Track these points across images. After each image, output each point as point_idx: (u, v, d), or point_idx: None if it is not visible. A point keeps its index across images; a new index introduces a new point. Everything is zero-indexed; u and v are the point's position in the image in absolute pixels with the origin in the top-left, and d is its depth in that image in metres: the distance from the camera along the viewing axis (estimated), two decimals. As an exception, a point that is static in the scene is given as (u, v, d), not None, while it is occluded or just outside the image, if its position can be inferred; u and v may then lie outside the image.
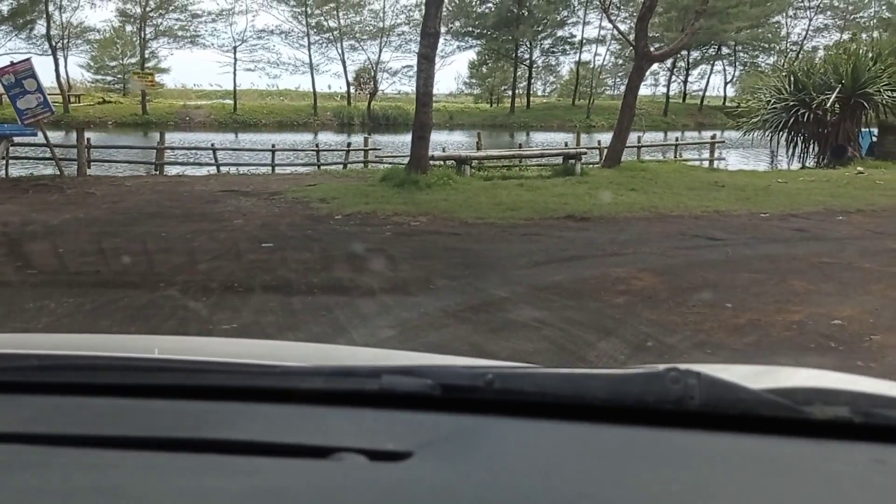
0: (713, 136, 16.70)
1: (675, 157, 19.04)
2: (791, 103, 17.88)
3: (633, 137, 20.35)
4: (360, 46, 49.86)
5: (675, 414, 0.87)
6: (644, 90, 59.44)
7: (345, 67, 50.23)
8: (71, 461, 0.81)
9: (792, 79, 18.44)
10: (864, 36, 26.11)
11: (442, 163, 13.92)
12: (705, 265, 6.87)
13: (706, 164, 17.74)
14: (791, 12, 56.63)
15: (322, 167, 16.84)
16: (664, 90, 56.44)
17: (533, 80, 57.59)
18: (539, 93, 62.72)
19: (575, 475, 0.80)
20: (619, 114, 14.90)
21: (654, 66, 57.48)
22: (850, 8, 54.88)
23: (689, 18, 15.06)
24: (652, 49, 15.21)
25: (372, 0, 50.22)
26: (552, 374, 0.96)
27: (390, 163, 15.36)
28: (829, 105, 17.24)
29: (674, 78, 57.94)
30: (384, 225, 8.84)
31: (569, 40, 54.49)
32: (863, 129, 18.83)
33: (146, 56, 47.30)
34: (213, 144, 18.10)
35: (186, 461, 0.82)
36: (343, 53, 50.00)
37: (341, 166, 17.00)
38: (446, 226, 8.87)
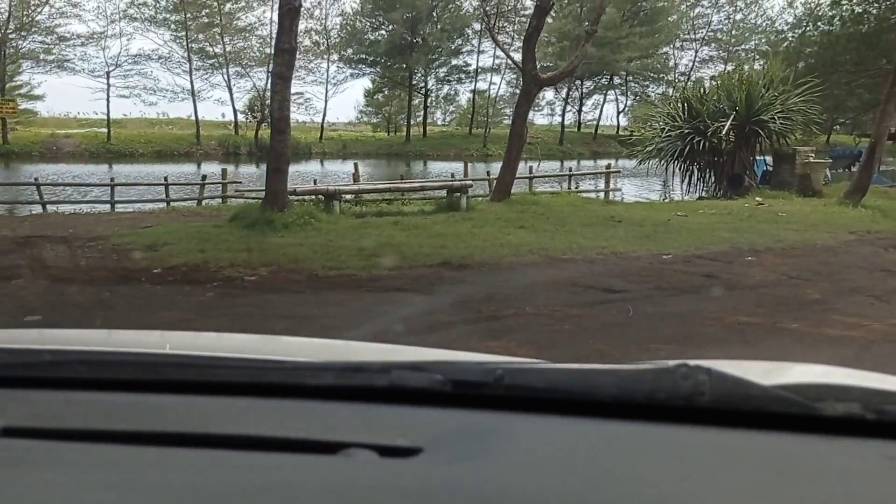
0: (608, 166, 15.73)
1: (570, 188, 17.93)
2: (686, 131, 17.13)
3: (528, 167, 19.27)
4: (245, 73, 47.50)
5: (685, 410, 0.87)
6: (541, 119, 60.25)
7: (231, 94, 47.83)
8: (82, 456, 0.82)
9: (685, 106, 17.73)
10: (746, 68, 26.06)
11: (310, 198, 12.19)
12: (601, 332, 5.42)
13: (602, 195, 16.74)
14: (678, 44, 58.17)
15: (173, 204, 14.76)
16: (561, 119, 56.57)
17: (433, 109, 56.84)
18: (440, 122, 62.15)
19: (585, 471, 0.80)
20: (508, 143, 13.61)
21: (550, 96, 58.37)
22: (733, 41, 56.72)
23: (579, 42, 14.01)
24: (541, 73, 14.01)
25: (259, 25, 48.06)
26: (562, 370, 0.97)
27: (253, 198, 13.48)
28: (724, 133, 16.55)
29: (570, 107, 58.46)
30: (210, 282, 7.02)
31: (464, 69, 53.94)
32: (757, 157, 18.32)
33: (6, 81, 43.39)
34: (36, 179, 15.69)
35: (197, 456, 0.82)
36: (229, 80, 47.62)
37: (196, 202, 14.98)
38: (289, 280, 7.14)
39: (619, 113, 59.63)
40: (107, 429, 0.87)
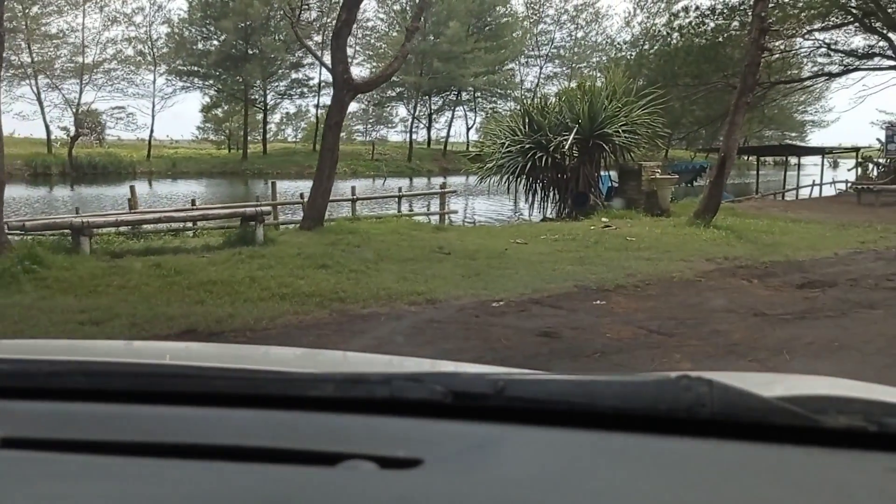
0: (443, 185, 13.89)
1: (399, 211, 15.88)
2: (527, 146, 15.58)
3: (361, 186, 17.15)
4: (55, 85, 42.59)
5: (686, 422, 0.86)
6: (396, 136, 58.54)
7: (42, 108, 42.73)
8: (82, 467, 0.81)
9: (527, 119, 16.21)
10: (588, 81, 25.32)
11: (52, 234, 9.40)
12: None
13: (436, 218, 14.83)
14: (524, 60, 58.32)
15: None
16: (409, 135, 55.01)
17: (284, 126, 53.68)
18: (290, 139, 58.94)
19: (586, 483, 0.80)
20: (319, 160, 11.38)
21: (403, 113, 56.77)
22: (575, 58, 57.47)
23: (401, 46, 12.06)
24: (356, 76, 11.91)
25: (70, 33, 43.25)
26: (563, 381, 0.97)
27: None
28: (567, 147, 15.13)
29: (421, 124, 57.18)
30: None
31: (305, 83, 51.24)
32: (602, 173, 17.10)
33: None
34: None
35: (196, 468, 0.81)
36: (39, 92, 42.52)
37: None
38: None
39: (468, 129, 58.94)
40: (106, 440, 0.86)
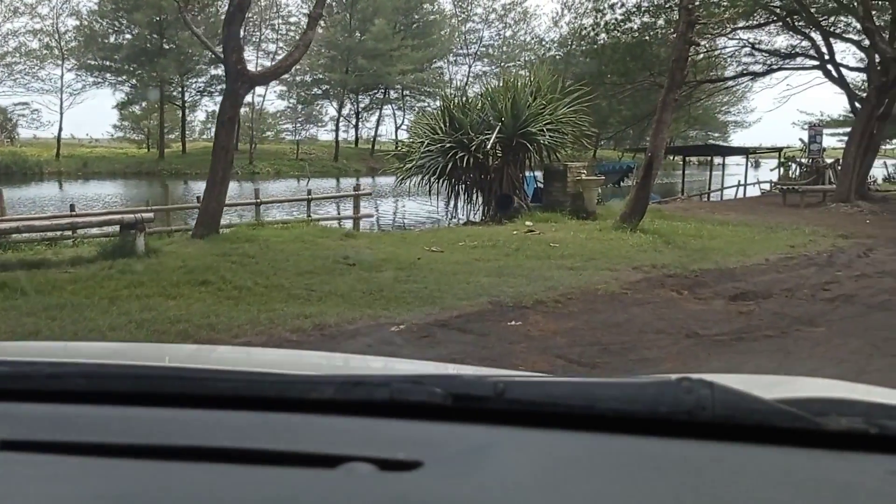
0: (356, 187, 12.88)
1: (309, 215, 14.74)
2: (447, 145, 14.69)
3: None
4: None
5: (687, 424, 0.86)
6: (327, 135, 57.02)
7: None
8: (80, 469, 0.81)
9: (447, 117, 15.33)
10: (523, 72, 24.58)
11: None
12: None
13: (350, 223, 13.77)
14: (452, 58, 57.56)
15: None
16: (335, 133, 53.62)
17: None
18: None
19: (586, 485, 0.80)
20: (212, 161, 10.23)
21: (333, 112, 55.23)
22: (504, 56, 57.04)
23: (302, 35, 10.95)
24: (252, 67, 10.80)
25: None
26: (563, 383, 0.97)
27: None
28: (489, 147, 14.31)
29: (351, 123, 55.86)
30: None
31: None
32: (527, 174, 16.35)
33: None
34: None
35: (196, 470, 0.81)
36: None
37: None
38: None
39: (397, 128, 57.82)
40: (106, 442, 0.86)
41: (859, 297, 7.44)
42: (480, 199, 15.89)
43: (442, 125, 15.34)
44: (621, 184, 25.34)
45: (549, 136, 14.71)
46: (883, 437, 0.85)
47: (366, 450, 0.82)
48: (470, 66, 57.75)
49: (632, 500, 0.77)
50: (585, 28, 24.48)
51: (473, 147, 14.29)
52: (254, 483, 0.78)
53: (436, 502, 0.75)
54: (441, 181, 15.86)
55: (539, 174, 16.53)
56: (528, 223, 13.06)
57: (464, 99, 15.69)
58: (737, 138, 62.11)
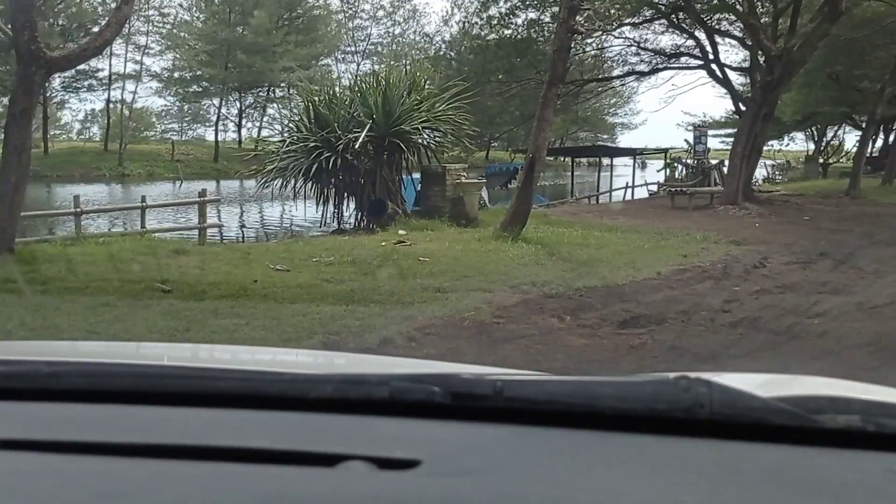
0: (202, 193, 11.15)
1: (144, 226, 12.68)
2: (311, 144, 13.11)
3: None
4: None
5: (685, 422, 0.86)
6: (213, 135, 53.93)
7: None
8: (80, 468, 0.81)
9: (312, 113, 13.74)
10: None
11: None
12: None
13: (195, 234, 11.93)
14: (340, 56, 55.65)
15: None
16: (215, 132, 50.69)
17: (89, 123, 47.70)
18: (97, 137, 52.57)
19: (584, 483, 0.80)
20: (2, 162, 8.27)
21: (224, 111, 52.16)
22: (394, 55, 55.63)
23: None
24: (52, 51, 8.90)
25: None
26: (562, 382, 0.97)
27: None
28: (358, 146, 12.84)
29: (233, 121, 53.00)
30: None
31: (93, 74, 45.60)
32: (406, 177, 14.95)
33: None
34: None
35: (195, 469, 0.81)
36: None
37: None
38: None
39: (283, 128, 55.25)
40: (105, 441, 0.86)
41: (764, 321, 6.41)
42: (353, 205, 14.40)
43: (306, 122, 13.74)
44: (509, 186, 24.36)
45: (426, 135, 13.38)
46: (880, 436, 0.85)
47: (364, 448, 0.82)
48: (358, 65, 56.04)
49: (630, 498, 0.76)
50: (472, 24, 23.41)
51: (340, 147, 12.76)
52: (253, 481, 0.77)
53: (434, 501, 0.75)
54: (310, 184, 14.28)
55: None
56: (400, 232, 11.68)
57: (330, 93, 14.08)
58: (624, 139, 63.08)
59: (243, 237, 15.56)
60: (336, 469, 0.79)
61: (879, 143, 38.01)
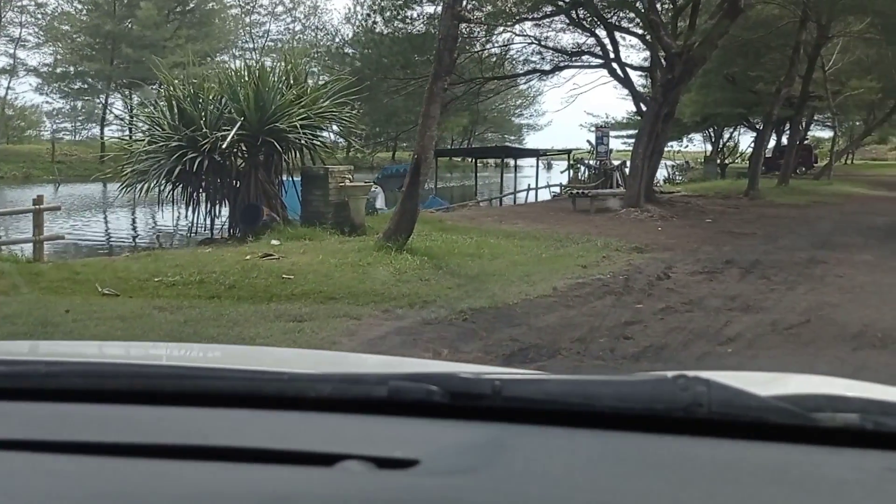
0: (37, 200, 9.56)
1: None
2: (175, 144, 11.61)
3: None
4: None
5: (684, 421, 0.86)
6: (110, 133, 50.47)
7: None
8: (78, 468, 0.81)
9: (175, 109, 12.22)
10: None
11: None
12: None
13: (30, 248, 10.26)
14: (237, 52, 53.24)
15: None
16: (100, 131, 47.50)
17: None
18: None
19: (583, 482, 0.80)
20: None
21: (120, 108, 48.72)
22: (294, 52, 53.64)
23: None
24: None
25: None
26: (560, 381, 0.97)
27: None
28: (226, 146, 11.43)
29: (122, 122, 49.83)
30: None
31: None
32: (288, 180, 13.59)
33: None
34: None
35: (193, 469, 0.81)
36: None
37: None
38: None
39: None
40: (103, 441, 0.86)
41: (671, 351, 5.50)
42: (227, 211, 12.96)
43: (170, 119, 12.21)
44: (407, 188, 23.26)
45: (307, 133, 12.08)
46: (879, 434, 0.85)
47: (363, 448, 0.82)
48: (257, 62, 53.78)
49: (629, 496, 0.76)
50: (366, 17, 22.21)
51: (206, 147, 11.31)
52: (251, 481, 0.77)
53: (433, 500, 0.74)
54: (179, 188, 12.75)
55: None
56: (273, 242, 10.35)
57: (194, 88, 12.56)
58: (531, 140, 63.26)
59: (96, 249, 13.81)
60: (334, 468, 0.79)
61: (772, 143, 39.03)
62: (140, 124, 13.85)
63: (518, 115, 65.45)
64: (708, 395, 0.84)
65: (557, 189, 25.15)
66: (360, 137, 14.31)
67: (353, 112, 13.19)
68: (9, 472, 0.80)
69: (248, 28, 52.72)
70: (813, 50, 24.54)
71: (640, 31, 18.84)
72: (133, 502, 0.74)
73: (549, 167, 46.85)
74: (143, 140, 12.22)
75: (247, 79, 12.31)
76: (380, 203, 18.73)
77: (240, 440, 0.85)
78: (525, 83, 27.71)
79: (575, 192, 18.08)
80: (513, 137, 65.46)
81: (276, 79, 12.61)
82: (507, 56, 23.67)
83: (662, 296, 7.56)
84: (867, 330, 6.12)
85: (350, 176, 12.42)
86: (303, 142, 12.36)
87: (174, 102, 12.25)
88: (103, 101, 47.13)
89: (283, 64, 13.47)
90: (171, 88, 12.33)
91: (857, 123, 44.07)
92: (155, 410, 0.94)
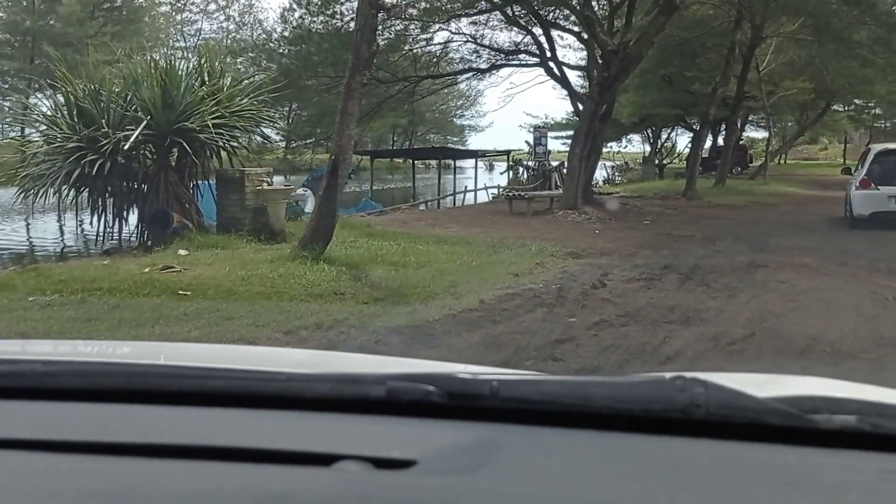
0: None
1: None
2: (72, 145, 10.60)
3: None
4: None
5: (681, 422, 0.86)
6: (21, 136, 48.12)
7: None
8: (76, 468, 0.81)
9: (74, 107, 11.21)
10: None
11: None
12: None
13: None
14: (169, 51, 51.41)
15: None
16: (21, 131, 45.25)
17: None
18: None
19: (580, 483, 0.79)
20: None
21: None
22: (229, 51, 52.11)
23: None
24: None
25: None
26: (558, 382, 0.97)
27: None
28: (129, 146, 10.48)
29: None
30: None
31: None
32: (203, 184, 12.65)
33: None
34: None
35: (191, 468, 0.80)
36: None
37: None
38: None
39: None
40: (100, 440, 0.85)
41: (604, 374, 4.88)
42: (136, 217, 11.97)
43: (69, 118, 11.18)
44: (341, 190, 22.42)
45: (220, 133, 11.19)
46: (875, 436, 0.85)
47: (361, 448, 0.82)
48: (188, 61, 52.05)
49: (626, 497, 0.76)
50: (294, 10, 21.25)
51: (108, 148, 10.33)
52: (248, 481, 0.77)
53: (430, 500, 0.74)
54: (82, 193, 11.72)
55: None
56: (181, 252, 9.47)
57: (95, 85, 11.53)
58: (473, 141, 62.98)
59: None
60: (332, 469, 0.78)
61: (709, 143, 39.37)
62: (38, 125, 12.66)
63: (460, 117, 65.08)
64: (705, 396, 0.84)
65: (495, 191, 24.62)
66: (298, 138, 13.43)
67: (274, 112, 12.29)
68: (7, 471, 0.80)
69: (178, 26, 51.04)
70: (748, 50, 24.60)
71: (576, 29, 18.40)
72: (131, 502, 0.74)
73: (490, 168, 46.44)
74: (37, 142, 11.14)
75: (153, 74, 11.32)
76: (310, 207, 17.88)
77: (237, 440, 0.84)
78: (462, 82, 27.08)
79: (511, 194, 17.53)
80: (455, 139, 65.16)
81: (185, 74, 11.66)
82: (443, 55, 23.10)
83: (597, 307, 6.98)
84: (815, 344, 5.64)
85: (269, 179, 11.58)
86: (220, 143, 11.46)
87: (72, 100, 11.21)
88: (23, 102, 44.91)
89: (196, 59, 12.50)
90: (69, 85, 11.27)
91: (790, 124, 44.92)
92: (152, 410, 0.94)
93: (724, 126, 33.71)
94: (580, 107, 18.30)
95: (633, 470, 0.81)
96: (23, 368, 1.03)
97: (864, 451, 0.84)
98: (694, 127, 32.96)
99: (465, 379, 0.94)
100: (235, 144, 12.01)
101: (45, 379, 0.99)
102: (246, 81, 12.71)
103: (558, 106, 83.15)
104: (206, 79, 12.06)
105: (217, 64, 12.63)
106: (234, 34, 51.95)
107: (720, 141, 38.01)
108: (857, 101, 39.76)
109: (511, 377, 0.97)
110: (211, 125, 10.82)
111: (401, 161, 38.49)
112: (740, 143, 41.32)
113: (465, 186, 26.30)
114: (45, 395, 0.96)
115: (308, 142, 30.73)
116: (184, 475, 0.78)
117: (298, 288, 7.39)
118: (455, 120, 65.27)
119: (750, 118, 43.23)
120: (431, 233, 12.78)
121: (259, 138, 14.05)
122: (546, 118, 40.27)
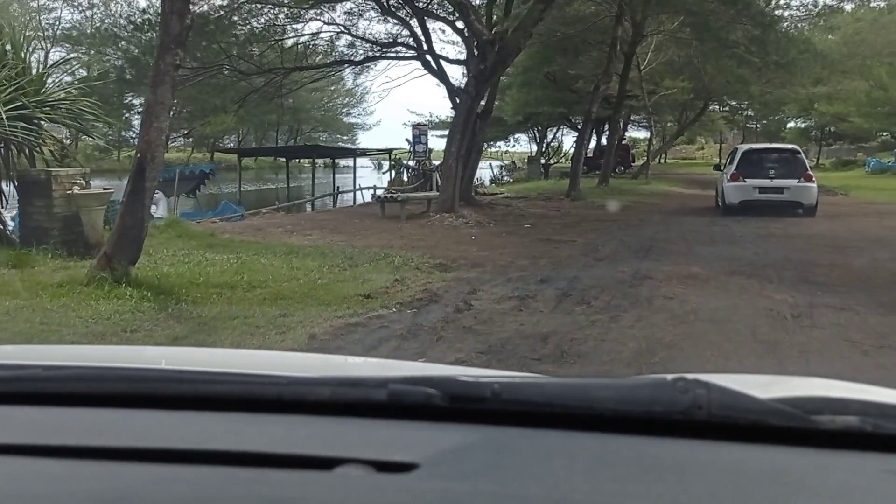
0: None
1: None
2: None
3: None
4: None
5: (683, 424, 0.85)
6: None
7: None
8: (77, 472, 0.80)
9: None
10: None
11: None
12: None
13: None
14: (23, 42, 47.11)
15: None
16: None
17: None
18: None
19: (583, 486, 0.78)
20: None
21: None
22: (96, 42, 48.30)
23: None
24: None
25: None
26: (559, 384, 0.96)
27: None
28: None
29: None
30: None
31: None
32: (7, 188, 10.62)
33: None
34: None
35: (193, 473, 0.80)
36: None
37: None
38: None
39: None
40: (102, 445, 0.85)
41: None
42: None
43: None
44: (198, 192, 20.43)
45: (20, 126, 9.26)
46: (878, 436, 0.84)
47: (362, 451, 0.81)
48: (48, 52, 47.82)
49: (629, 499, 0.76)
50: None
51: None
52: (250, 485, 0.77)
53: None
54: None
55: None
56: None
57: None
58: (363, 140, 61.37)
59: None
60: (334, 472, 0.78)
61: (593, 143, 39.37)
62: None
63: (347, 115, 63.26)
64: (707, 397, 0.83)
65: (374, 192, 23.18)
66: (89, 134, 11.56)
67: (94, 104, 10.41)
68: (8, 476, 0.79)
69: (36, 15, 46.81)
70: (629, 48, 24.27)
71: (451, 18, 17.22)
72: None
73: (379, 167, 44.89)
74: None
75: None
76: (160, 211, 15.96)
77: (239, 444, 0.84)
78: (334, 74, 25.39)
79: (383, 196, 16.15)
80: (345, 137, 63.42)
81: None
82: (314, 47, 21.49)
83: (456, 339, 5.70)
84: (713, 387, 4.54)
85: (82, 181, 9.70)
86: (19, 138, 9.51)
87: None
88: None
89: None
90: None
91: (670, 124, 45.70)
92: (154, 414, 0.93)
93: (607, 126, 33.61)
94: (457, 101, 17.15)
95: (635, 472, 0.80)
96: (24, 373, 1.02)
97: (867, 453, 0.84)
98: (578, 126, 32.62)
99: (467, 382, 0.93)
100: (43, 140, 10.05)
101: (46, 384, 0.99)
102: (62, 66, 10.68)
103: (444, 104, 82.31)
104: (10, 61, 10.06)
105: (23, 43, 10.58)
106: (100, 24, 48.40)
107: (604, 140, 38.06)
108: (731, 102, 40.79)
109: (513, 380, 0.96)
110: (4, 116, 8.89)
111: (295, 161, 36.33)
112: (623, 142, 41.62)
113: (338, 187, 24.64)
114: (47, 400, 0.96)
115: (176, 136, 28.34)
116: (185, 480, 0.78)
117: (77, 324, 5.74)
118: (343, 118, 63.43)
119: (632, 118, 43.67)
120: (286, 242, 11.24)
121: (85, 135, 12.10)
122: (431, 116, 39.16)
